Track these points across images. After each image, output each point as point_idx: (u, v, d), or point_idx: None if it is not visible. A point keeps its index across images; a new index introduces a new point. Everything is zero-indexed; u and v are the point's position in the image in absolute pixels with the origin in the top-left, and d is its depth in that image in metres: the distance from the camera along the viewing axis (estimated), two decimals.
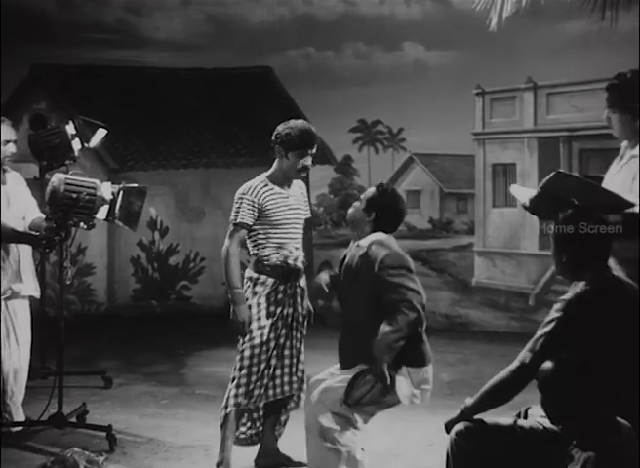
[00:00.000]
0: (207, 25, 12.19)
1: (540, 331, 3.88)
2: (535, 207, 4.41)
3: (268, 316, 5.33)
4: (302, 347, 5.52)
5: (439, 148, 11.47)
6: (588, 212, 4.02)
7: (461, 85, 11.09)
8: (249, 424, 5.59)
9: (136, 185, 6.21)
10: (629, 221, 4.22)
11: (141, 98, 11.80)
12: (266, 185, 5.37)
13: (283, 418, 5.63)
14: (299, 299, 5.43)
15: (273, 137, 5.38)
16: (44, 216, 6.05)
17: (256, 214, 5.30)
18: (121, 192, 6.01)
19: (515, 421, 4.01)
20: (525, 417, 4.09)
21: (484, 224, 11.51)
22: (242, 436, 5.58)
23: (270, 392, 5.40)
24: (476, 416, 3.99)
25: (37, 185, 7.06)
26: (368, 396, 4.80)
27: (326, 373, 5.03)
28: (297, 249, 5.43)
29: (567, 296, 3.92)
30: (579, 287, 3.93)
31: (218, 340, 9.51)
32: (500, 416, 4.03)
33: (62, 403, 6.05)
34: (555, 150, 10.96)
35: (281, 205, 5.37)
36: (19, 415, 6.19)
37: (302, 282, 5.49)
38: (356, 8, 11.94)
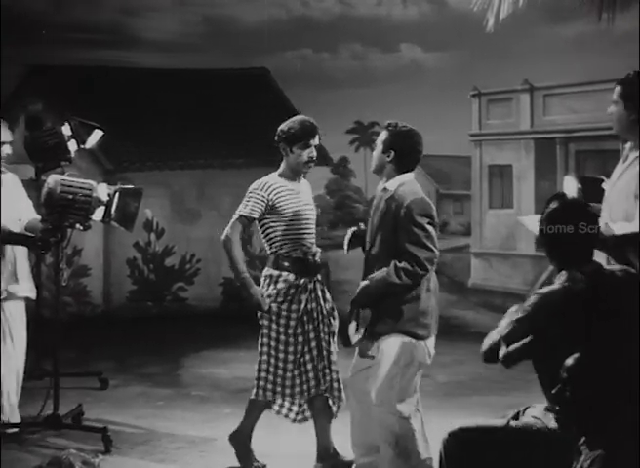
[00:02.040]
0: (203, 26, 12.18)
1: (510, 318, 3.95)
2: None
3: (294, 312, 5.34)
4: (334, 343, 5.46)
5: (435, 149, 11.43)
6: (576, 206, 3.98)
7: (458, 86, 11.09)
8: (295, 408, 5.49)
9: (132, 186, 6.22)
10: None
11: (137, 100, 11.79)
12: (277, 182, 5.46)
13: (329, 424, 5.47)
14: (320, 294, 5.44)
15: (276, 137, 5.47)
16: (40, 218, 6.06)
17: (264, 209, 5.37)
18: (117, 193, 6.01)
19: (508, 423, 3.98)
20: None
21: (480, 226, 11.51)
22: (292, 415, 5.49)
23: (305, 387, 5.38)
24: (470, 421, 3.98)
25: (33, 187, 7.05)
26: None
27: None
28: (313, 244, 5.47)
29: (542, 290, 3.89)
30: (557, 282, 3.88)
31: (213, 341, 9.52)
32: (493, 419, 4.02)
33: (58, 404, 6.04)
34: (552, 152, 10.96)
35: (293, 200, 5.45)
36: (14, 417, 6.18)
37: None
38: (353, 9, 11.95)
